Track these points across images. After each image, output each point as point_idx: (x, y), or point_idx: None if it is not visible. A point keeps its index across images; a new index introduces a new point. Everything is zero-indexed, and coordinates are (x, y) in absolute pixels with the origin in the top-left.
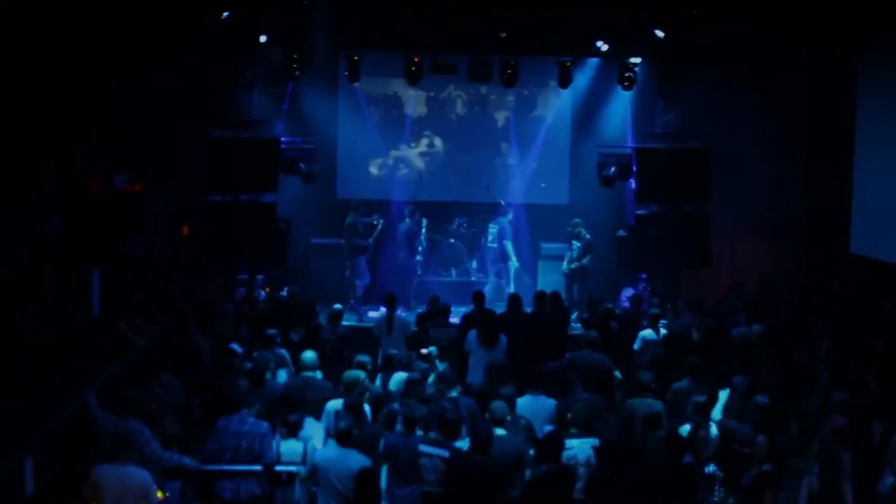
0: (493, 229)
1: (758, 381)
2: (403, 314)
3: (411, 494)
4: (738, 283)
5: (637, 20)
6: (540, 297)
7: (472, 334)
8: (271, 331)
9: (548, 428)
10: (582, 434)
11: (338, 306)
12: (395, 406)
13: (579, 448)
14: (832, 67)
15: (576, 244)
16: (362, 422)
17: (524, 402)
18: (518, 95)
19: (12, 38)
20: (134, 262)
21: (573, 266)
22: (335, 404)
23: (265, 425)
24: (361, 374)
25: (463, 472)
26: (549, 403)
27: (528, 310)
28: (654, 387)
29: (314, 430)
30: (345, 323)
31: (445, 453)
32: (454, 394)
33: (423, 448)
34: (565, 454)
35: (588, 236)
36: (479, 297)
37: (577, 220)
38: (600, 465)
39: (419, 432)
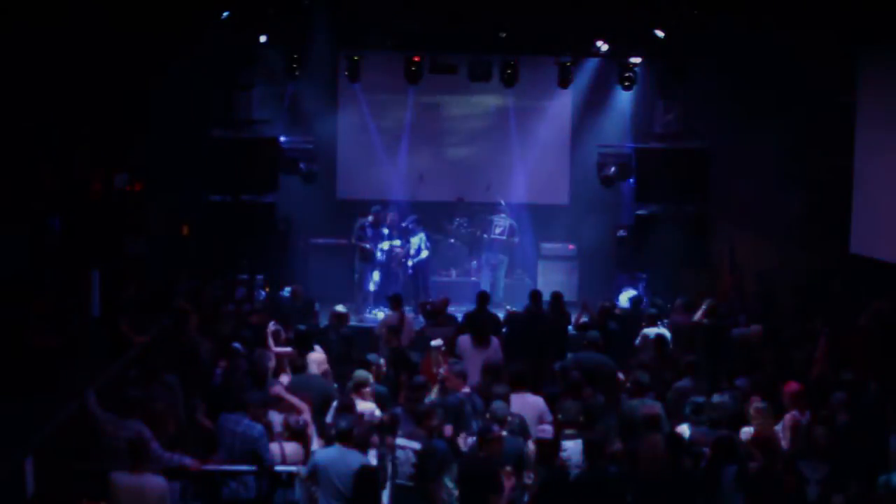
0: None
1: (757, 382)
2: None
3: None
4: (738, 283)
5: (637, 20)
6: (534, 296)
7: (464, 338)
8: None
9: (540, 427)
10: (577, 435)
11: (341, 308)
12: (398, 410)
13: (573, 450)
14: (832, 67)
15: (415, 241)
16: (355, 420)
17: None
18: (518, 95)
19: (12, 38)
20: (134, 262)
21: (415, 262)
22: None
23: (258, 428)
24: (369, 374)
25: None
26: (534, 401)
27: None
28: (653, 387)
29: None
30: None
31: (417, 445)
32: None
33: (398, 441)
34: (560, 455)
35: (423, 232)
36: (482, 298)
37: (415, 216)
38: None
39: None
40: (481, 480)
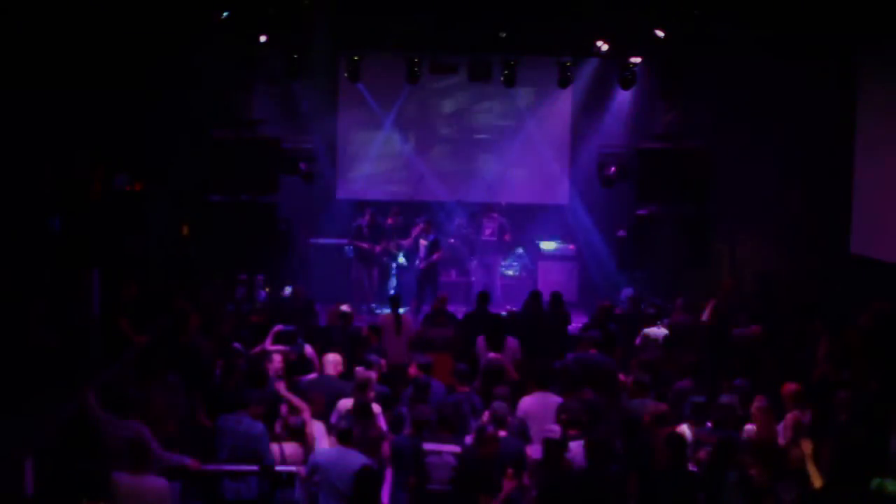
0: (489, 223)
1: (757, 382)
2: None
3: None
4: (737, 283)
5: (637, 20)
6: (534, 296)
7: (482, 339)
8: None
9: (548, 427)
10: (581, 436)
11: (346, 308)
12: (404, 410)
13: (577, 450)
14: (832, 67)
15: (422, 243)
16: (371, 422)
17: (532, 401)
18: (518, 95)
19: (11, 38)
20: (134, 262)
21: (425, 264)
22: (347, 403)
23: (259, 427)
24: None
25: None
26: (557, 402)
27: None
28: (653, 387)
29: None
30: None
31: (456, 448)
32: None
33: (428, 445)
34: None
35: (432, 235)
36: (482, 298)
37: (427, 217)
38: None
39: None
40: (476, 480)
